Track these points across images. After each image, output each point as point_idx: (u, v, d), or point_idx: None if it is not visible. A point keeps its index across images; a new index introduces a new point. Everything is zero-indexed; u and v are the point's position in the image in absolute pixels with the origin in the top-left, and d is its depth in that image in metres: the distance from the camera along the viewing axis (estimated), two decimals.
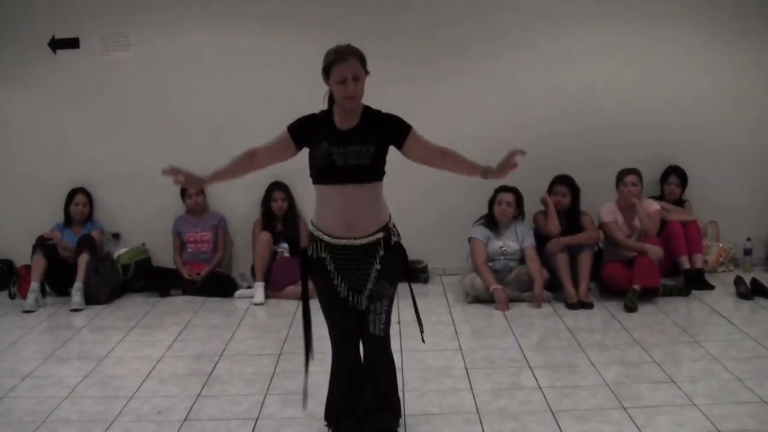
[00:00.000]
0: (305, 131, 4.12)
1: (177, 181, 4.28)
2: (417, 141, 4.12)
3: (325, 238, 4.07)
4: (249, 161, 4.29)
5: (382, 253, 4.08)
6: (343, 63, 3.92)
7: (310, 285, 4.30)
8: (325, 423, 4.48)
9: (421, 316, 4.51)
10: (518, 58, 8.36)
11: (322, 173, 4.03)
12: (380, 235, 4.09)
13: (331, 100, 4.14)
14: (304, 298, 4.32)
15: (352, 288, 4.12)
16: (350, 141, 3.98)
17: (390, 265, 4.14)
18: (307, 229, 4.34)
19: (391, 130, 4.11)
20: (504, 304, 7.22)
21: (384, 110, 4.17)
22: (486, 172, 4.17)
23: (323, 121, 4.10)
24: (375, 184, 4.07)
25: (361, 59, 3.99)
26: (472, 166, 4.20)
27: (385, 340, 4.31)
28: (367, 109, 4.11)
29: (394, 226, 4.22)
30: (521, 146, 4.11)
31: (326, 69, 3.98)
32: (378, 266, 4.08)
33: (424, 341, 4.51)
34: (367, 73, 4.02)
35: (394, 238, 4.18)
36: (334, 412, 4.42)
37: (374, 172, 4.04)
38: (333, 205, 4.04)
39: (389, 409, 4.42)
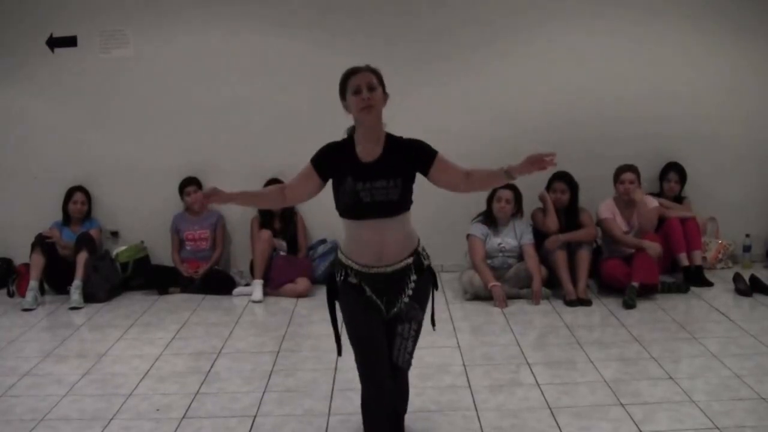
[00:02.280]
0: (329, 162, 3.99)
1: (206, 199, 4.06)
2: (443, 166, 3.96)
3: (355, 266, 3.96)
4: (279, 196, 4.19)
5: (414, 277, 3.99)
6: (356, 74, 3.87)
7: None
8: None
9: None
10: (516, 55, 8.36)
11: (348, 209, 3.92)
12: (410, 260, 3.99)
13: (352, 128, 4.03)
14: (332, 316, 4.17)
15: (386, 305, 4.01)
16: (376, 176, 3.85)
17: (422, 288, 4.05)
18: (335, 256, 4.21)
19: (417, 158, 3.96)
20: (502, 301, 7.22)
21: (387, 115, 4.03)
22: (509, 174, 3.89)
23: (345, 152, 3.97)
24: (404, 214, 3.96)
25: (375, 73, 3.91)
26: (496, 175, 3.96)
27: (406, 373, 4.21)
28: (389, 137, 3.99)
29: (424, 249, 4.11)
30: (536, 146, 3.98)
31: (342, 87, 3.92)
32: (410, 292, 3.98)
33: (434, 327, 4.40)
34: (385, 94, 3.94)
35: (425, 262, 4.08)
36: None
37: (403, 205, 3.93)
38: (361, 238, 3.93)
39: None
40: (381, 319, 4.01)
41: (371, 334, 3.99)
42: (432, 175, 3.98)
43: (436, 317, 4.39)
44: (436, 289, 4.21)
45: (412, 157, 3.95)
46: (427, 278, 4.09)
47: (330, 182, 4.03)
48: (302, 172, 4.07)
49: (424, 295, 4.11)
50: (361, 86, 3.84)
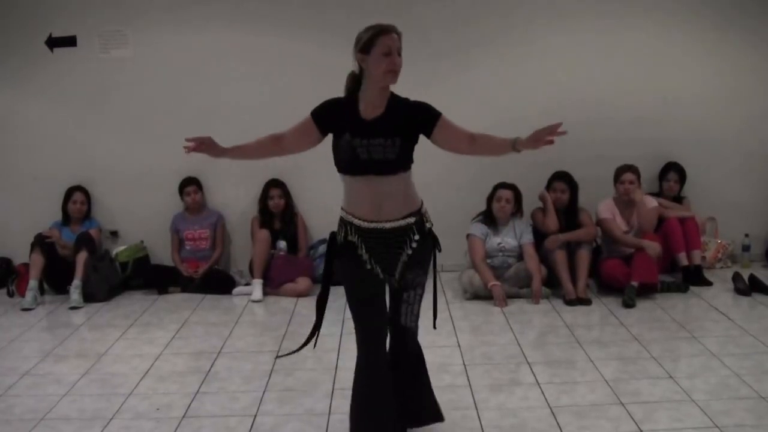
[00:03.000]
0: (329, 117, 3.99)
1: (199, 146, 4.12)
2: (447, 128, 3.95)
3: (355, 221, 3.94)
4: (273, 145, 4.18)
5: (416, 237, 3.97)
6: (389, 35, 3.84)
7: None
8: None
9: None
10: (516, 55, 8.37)
11: (344, 165, 3.91)
12: (411, 219, 3.97)
13: (355, 85, 4.00)
14: (325, 282, 4.12)
15: (383, 270, 3.99)
16: (375, 133, 3.84)
17: (423, 252, 4.03)
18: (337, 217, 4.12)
19: (419, 119, 3.93)
20: (502, 300, 7.23)
21: None
22: (516, 144, 3.92)
23: (347, 108, 3.96)
24: (402, 174, 3.92)
25: (400, 36, 3.90)
26: (502, 144, 3.98)
27: (415, 330, 4.21)
28: (393, 97, 3.97)
29: (426, 212, 4.10)
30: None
31: (368, 42, 3.85)
32: (409, 251, 3.96)
33: (435, 327, 4.40)
34: None
35: (428, 225, 4.07)
36: (364, 420, 4.10)
37: (401, 164, 3.89)
38: (359, 192, 3.92)
39: (426, 407, 4.37)
40: (380, 283, 4.01)
41: (369, 299, 4.01)
42: (435, 137, 3.96)
43: (437, 317, 4.37)
44: (440, 251, 4.17)
45: (415, 118, 3.94)
46: (428, 241, 4.07)
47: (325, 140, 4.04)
48: (301, 124, 4.08)
49: (426, 258, 4.10)
50: (393, 49, 3.83)
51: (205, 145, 4.10)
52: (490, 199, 7.68)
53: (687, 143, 8.41)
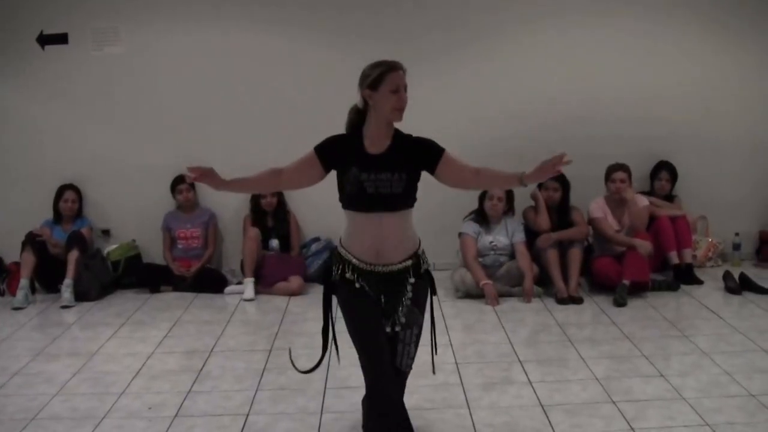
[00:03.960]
0: (334, 152, 3.97)
1: (198, 177, 4.06)
2: (450, 164, 3.96)
3: (353, 260, 3.94)
4: (273, 179, 4.13)
5: (412, 280, 3.98)
6: (397, 72, 3.85)
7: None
8: None
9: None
10: (509, 53, 8.38)
11: (351, 200, 3.91)
12: (409, 262, 3.99)
13: (358, 119, 3.99)
14: (325, 315, 4.11)
15: (384, 311, 3.98)
16: (381, 168, 3.84)
17: (419, 292, 4.04)
18: (335, 252, 4.11)
19: (423, 155, 3.95)
20: (494, 299, 7.24)
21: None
22: (522, 180, 3.92)
23: (352, 144, 3.95)
24: (406, 211, 3.95)
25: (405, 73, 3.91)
26: (508, 179, 4.02)
27: (408, 374, 4.17)
28: (397, 133, 3.98)
29: (423, 253, 4.11)
30: (545, 149, 3.97)
31: (377, 79, 3.83)
32: (409, 294, 3.98)
33: (434, 372, 4.45)
34: None
35: (424, 266, 4.09)
36: None
37: (406, 200, 3.92)
38: (362, 231, 3.92)
39: None
40: (380, 312, 3.97)
41: (373, 329, 3.96)
42: (439, 173, 3.97)
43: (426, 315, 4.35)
44: (434, 295, 4.17)
45: (419, 155, 3.95)
46: (424, 282, 4.08)
47: (326, 176, 4.02)
48: (303, 159, 4.03)
49: (423, 298, 4.10)
50: (401, 86, 3.84)
51: (206, 177, 4.05)
52: (482, 197, 7.69)
53: (679, 142, 8.44)
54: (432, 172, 3.97)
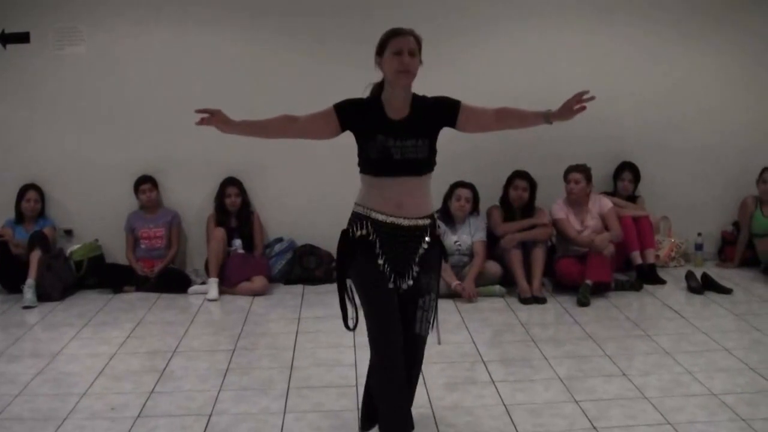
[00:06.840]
0: (353, 113, 3.98)
1: (208, 119, 4.00)
2: (469, 112, 4.06)
3: (373, 214, 3.94)
4: (287, 124, 4.10)
5: (428, 239, 4.02)
6: (401, 37, 3.90)
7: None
8: None
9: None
10: (472, 54, 8.39)
11: (376, 166, 3.94)
12: (426, 221, 4.03)
13: (378, 90, 4.04)
14: (340, 281, 4.09)
15: (396, 272, 3.99)
16: (407, 134, 3.90)
17: (432, 257, 4.08)
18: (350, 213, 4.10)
19: (443, 114, 4.04)
20: (471, 293, 7.33)
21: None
22: (548, 117, 4.13)
23: (372, 109, 3.99)
24: (427, 176, 4.02)
25: (417, 40, 3.96)
26: (533, 117, 4.19)
27: (425, 340, 4.19)
28: (415, 97, 4.03)
29: (437, 219, 4.20)
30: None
31: (382, 44, 3.94)
32: (422, 251, 4.00)
33: (440, 342, 4.47)
34: (420, 62, 3.97)
35: (438, 230, 4.15)
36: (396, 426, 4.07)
37: (429, 164, 3.99)
38: (383, 190, 3.94)
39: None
40: (393, 288, 3.98)
41: (385, 301, 3.97)
42: (460, 125, 4.08)
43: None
44: (446, 261, 4.24)
45: (439, 115, 4.03)
46: (437, 248, 4.14)
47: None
48: (320, 113, 4.03)
49: (436, 263, 4.15)
50: (402, 49, 3.88)
51: (214, 118, 4.00)
52: (448, 197, 7.71)
53: (642, 143, 8.51)
54: (454, 125, 4.06)
